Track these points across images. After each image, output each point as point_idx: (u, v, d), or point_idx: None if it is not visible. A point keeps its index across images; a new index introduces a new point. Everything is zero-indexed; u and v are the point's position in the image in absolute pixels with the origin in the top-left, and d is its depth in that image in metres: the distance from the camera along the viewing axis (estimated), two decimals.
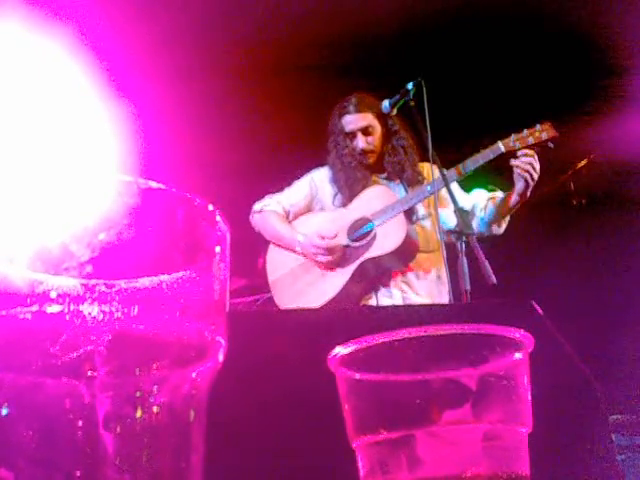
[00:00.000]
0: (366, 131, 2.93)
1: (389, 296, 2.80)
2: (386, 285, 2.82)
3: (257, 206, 3.07)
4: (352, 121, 2.94)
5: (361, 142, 2.92)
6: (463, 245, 2.45)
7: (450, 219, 2.82)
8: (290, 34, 3.75)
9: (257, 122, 3.99)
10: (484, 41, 3.82)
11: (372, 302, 2.82)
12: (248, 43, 3.85)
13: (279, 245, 3.00)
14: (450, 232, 2.64)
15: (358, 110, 2.94)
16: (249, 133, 4.04)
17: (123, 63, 3.53)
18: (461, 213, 2.45)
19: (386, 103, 2.86)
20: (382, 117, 2.93)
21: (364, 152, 2.93)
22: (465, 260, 2.48)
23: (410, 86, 2.70)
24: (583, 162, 4.15)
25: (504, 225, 2.89)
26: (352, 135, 2.95)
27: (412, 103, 2.71)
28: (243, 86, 3.93)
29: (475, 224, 2.83)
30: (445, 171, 2.66)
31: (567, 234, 4.63)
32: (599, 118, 4.00)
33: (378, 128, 2.93)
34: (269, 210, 3.03)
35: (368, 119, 2.93)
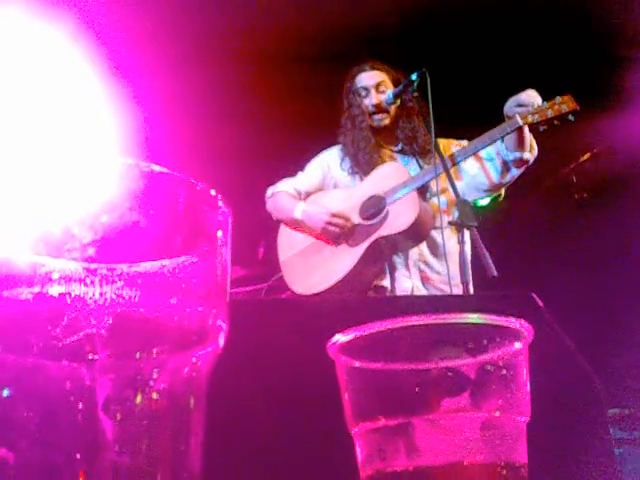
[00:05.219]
0: (379, 88, 2.91)
1: (408, 276, 2.77)
2: (404, 265, 2.79)
3: (269, 191, 3.06)
4: (366, 77, 2.94)
5: (374, 98, 2.89)
6: (464, 237, 2.44)
7: (478, 174, 2.77)
8: (292, 23, 3.74)
9: (262, 109, 3.99)
10: (489, 30, 3.81)
11: (386, 282, 2.78)
12: (250, 31, 3.84)
13: (288, 224, 2.98)
14: (451, 223, 2.61)
15: (373, 68, 2.94)
16: (254, 120, 4.03)
17: (125, 49, 3.52)
18: (462, 204, 2.44)
19: (389, 94, 2.84)
20: (397, 83, 2.89)
21: (376, 108, 2.89)
22: (466, 252, 2.47)
23: (414, 77, 2.69)
24: (586, 156, 4.14)
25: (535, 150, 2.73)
26: (365, 92, 2.92)
27: (416, 94, 2.69)
28: (248, 73, 3.92)
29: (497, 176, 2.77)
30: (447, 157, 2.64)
31: (568, 228, 4.62)
32: (603, 111, 3.99)
33: (391, 89, 2.89)
34: (278, 191, 3.02)
35: (383, 77, 2.92)
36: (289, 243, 2.97)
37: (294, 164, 3.15)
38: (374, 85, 2.91)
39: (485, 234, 2.36)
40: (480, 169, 2.78)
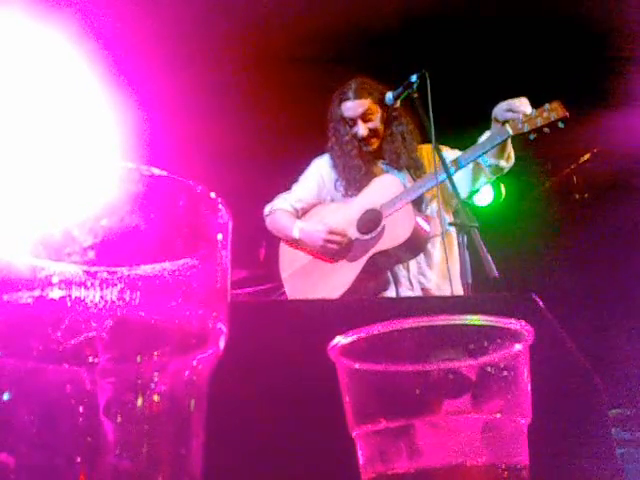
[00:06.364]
0: (366, 117, 2.89)
1: (410, 289, 2.79)
2: (407, 278, 2.81)
3: (266, 209, 3.07)
4: (351, 107, 2.91)
5: (361, 129, 2.89)
6: (465, 238, 2.44)
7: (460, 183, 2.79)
8: (293, 25, 3.75)
9: (261, 111, 3.99)
10: (488, 32, 3.81)
11: (392, 294, 2.80)
12: (252, 34, 3.84)
13: (288, 243, 3.00)
14: (453, 225, 2.62)
15: (357, 96, 2.91)
16: (253, 122, 4.03)
17: (126, 51, 3.52)
18: (464, 206, 2.44)
19: (389, 95, 2.84)
20: (383, 102, 2.89)
21: (364, 139, 2.91)
22: (467, 253, 2.48)
23: (414, 78, 2.69)
24: (587, 156, 4.15)
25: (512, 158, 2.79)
26: (352, 122, 2.92)
27: (415, 95, 2.70)
28: (246, 76, 3.93)
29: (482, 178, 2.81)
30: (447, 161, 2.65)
31: (569, 228, 4.63)
32: (604, 111, 3.99)
33: (378, 113, 2.90)
34: (276, 209, 3.04)
35: (368, 105, 2.90)
36: (290, 260, 3.00)
37: (295, 165, 3.15)
38: (360, 115, 2.90)
39: (486, 235, 2.36)
40: (459, 179, 2.79)
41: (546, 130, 2.52)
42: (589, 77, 3.91)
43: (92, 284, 0.37)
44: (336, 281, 2.81)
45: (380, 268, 2.79)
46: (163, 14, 3.57)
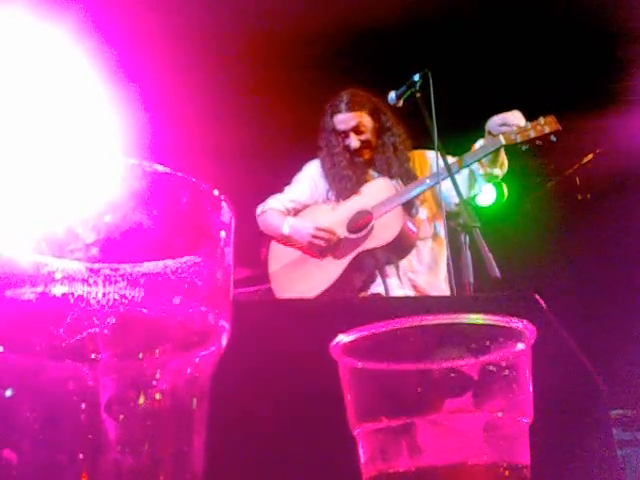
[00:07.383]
0: (358, 130, 2.92)
1: (400, 286, 2.83)
2: (396, 275, 2.85)
3: (259, 209, 3.11)
4: (344, 120, 2.93)
5: (354, 141, 2.92)
6: (467, 238, 2.45)
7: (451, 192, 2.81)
8: (297, 25, 3.74)
9: (265, 110, 3.99)
10: (491, 32, 3.81)
11: (381, 289, 2.84)
12: (254, 34, 3.84)
13: (278, 240, 3.04)
14: (455, 225, 2.64)
15: (350, 109, 2.92)
16: (258, 120, 4.04)
17: (130, 49, 3.52)
18: (466, 206, 2.45)
19: (392, 95, 2.85)
20: (375, 113, 2.93)
21: (356, 150, 2.93)
22: (469, 253, 2.48)
23: (416, 78, 2.70)
24: (589, 157, 4.14)
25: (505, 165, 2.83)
26: (344, 134, 2.94)
27: (418, 95, 2.71)
28: (253, 74, 3.93)
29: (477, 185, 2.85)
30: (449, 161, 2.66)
31: (571, 228, 4.62)
32: (606, 113, 3.98)
33: (370, 125, 2.93)
34: (268, 209, 3.08)
35: (360, 117, 2.92)
36: (278, 256, 3.06)
37: (298, 165, 3.17)
38: (352, 129, 2.92)
39: (488, 235, 2.37)
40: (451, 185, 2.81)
41: (538, 143, 2.56)
42: (593, 78, 3.91)
43: (95, 281, 0.37)
44: (321, 277, 2.87)
45: (366, 266, 2.84)
46: (167, 12, 3.57)
